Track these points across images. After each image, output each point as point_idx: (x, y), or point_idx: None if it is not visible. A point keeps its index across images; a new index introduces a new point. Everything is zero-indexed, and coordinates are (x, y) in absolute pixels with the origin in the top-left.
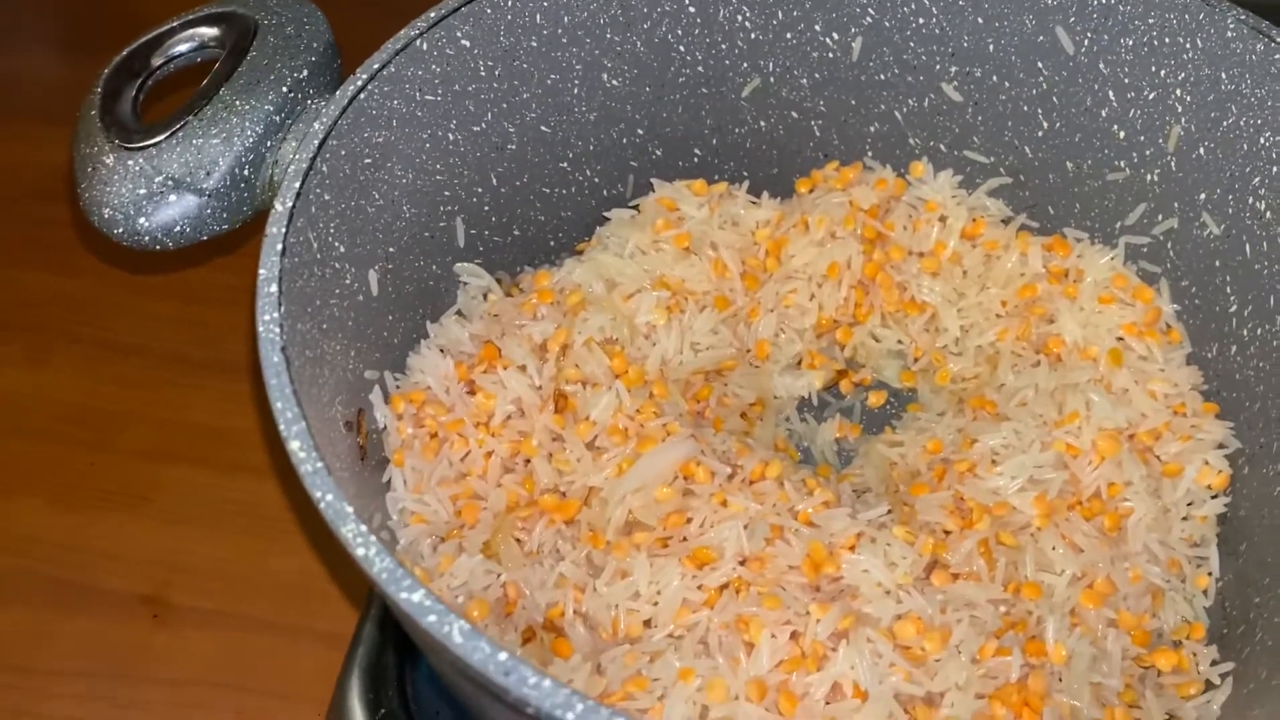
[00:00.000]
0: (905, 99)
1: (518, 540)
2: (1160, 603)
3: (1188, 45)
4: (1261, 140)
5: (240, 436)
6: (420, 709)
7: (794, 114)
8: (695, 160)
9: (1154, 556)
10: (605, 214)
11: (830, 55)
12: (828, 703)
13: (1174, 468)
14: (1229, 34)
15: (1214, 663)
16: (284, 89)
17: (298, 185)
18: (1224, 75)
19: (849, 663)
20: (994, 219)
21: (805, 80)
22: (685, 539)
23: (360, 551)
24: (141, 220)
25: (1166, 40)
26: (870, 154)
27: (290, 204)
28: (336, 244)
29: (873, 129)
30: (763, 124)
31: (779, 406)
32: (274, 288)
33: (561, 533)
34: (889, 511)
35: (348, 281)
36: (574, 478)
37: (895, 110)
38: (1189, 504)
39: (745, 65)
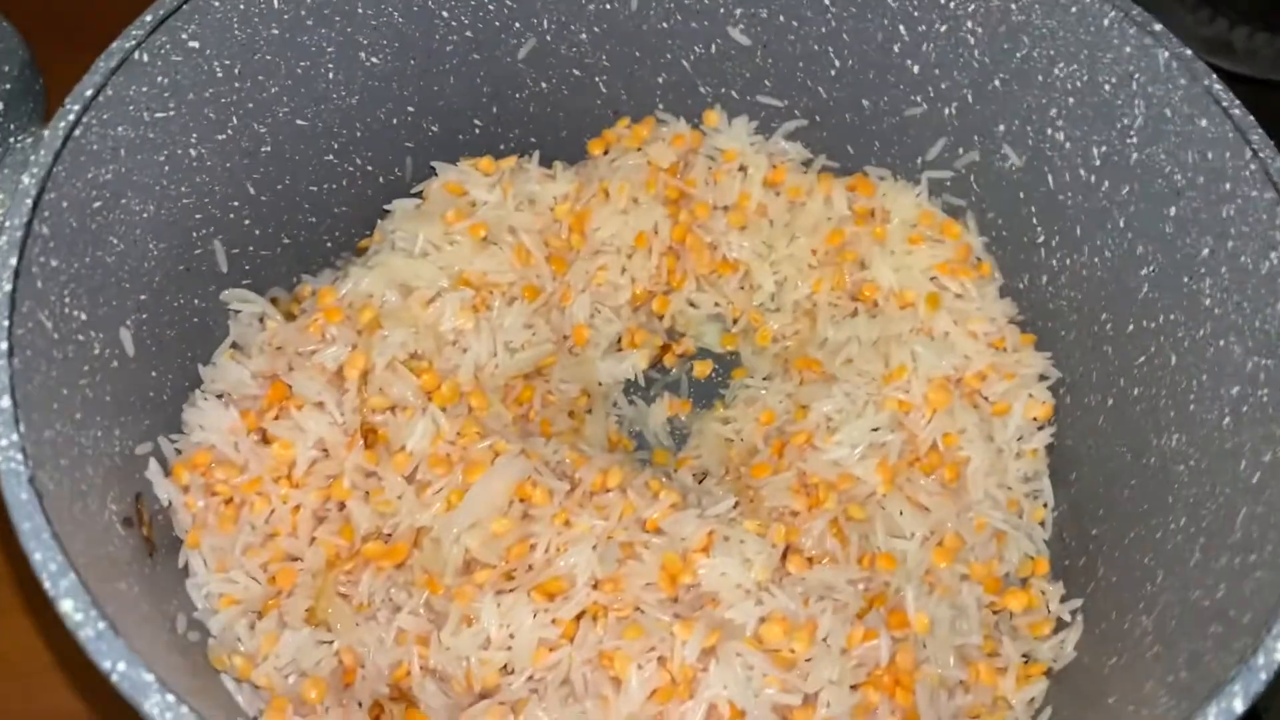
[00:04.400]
0: (691, 46)
1: (344, 596)
2: (1004, 544)
3: None
4: (1055, 71)
5: None
6: None
7: (576, 71)
8: (476, 132)
9: (994, 500)
10: (386, 205)
11: (608, 6)
12: None
13: (1002, 406)
14: None
15: (1062, 599)
16: None
17: (14, 261)
18: (1014, 6)
19: (721, 683)
20: (794, 163)
21: (584, 35)
22: (531, 568)
23: None
24: None
25: None
26: (661, 106)
27: (9, 287)
28: (76, 313)
29: (661, 79)
30: (544, 85)
31: (605, 394)
32: (5, 401)
33: (393, 579)
34: (736, 504)
35: (97, 351)
36: (398, 518)
37: (682, 59)
38: (1019, 439)
39: (518, 25)
